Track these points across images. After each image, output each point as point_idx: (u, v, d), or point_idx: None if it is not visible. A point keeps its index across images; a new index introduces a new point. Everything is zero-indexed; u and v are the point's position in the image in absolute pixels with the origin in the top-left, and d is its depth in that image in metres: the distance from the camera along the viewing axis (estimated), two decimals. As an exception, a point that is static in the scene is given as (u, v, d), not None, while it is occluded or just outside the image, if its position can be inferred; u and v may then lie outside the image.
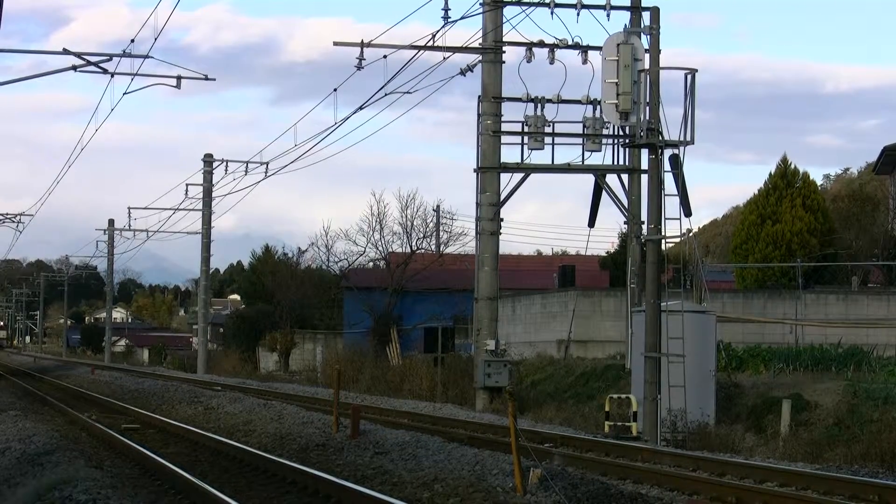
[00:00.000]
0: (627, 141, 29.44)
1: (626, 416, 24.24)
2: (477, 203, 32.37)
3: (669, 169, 24.44)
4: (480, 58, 31.94)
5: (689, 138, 23.66)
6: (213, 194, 59.62)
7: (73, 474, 14.53)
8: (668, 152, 24.22)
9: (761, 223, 50.10)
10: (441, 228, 67.34)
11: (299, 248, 76.75)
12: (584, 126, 31.57)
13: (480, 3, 31.66)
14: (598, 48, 26.47)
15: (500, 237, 32.50)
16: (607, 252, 64.06)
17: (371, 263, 65.06)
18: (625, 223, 33.58)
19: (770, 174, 51.80)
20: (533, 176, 32.50)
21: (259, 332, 69.35)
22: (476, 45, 31.89)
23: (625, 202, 32.06)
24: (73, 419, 27.19)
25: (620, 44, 24.15)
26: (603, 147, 31.62)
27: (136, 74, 29.05)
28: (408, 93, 31.89)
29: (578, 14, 30.96)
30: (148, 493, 14.78)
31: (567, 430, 24.45)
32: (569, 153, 32.39)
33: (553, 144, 31.73)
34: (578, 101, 31.72)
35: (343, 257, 65.57)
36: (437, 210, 68.06)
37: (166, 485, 15.58)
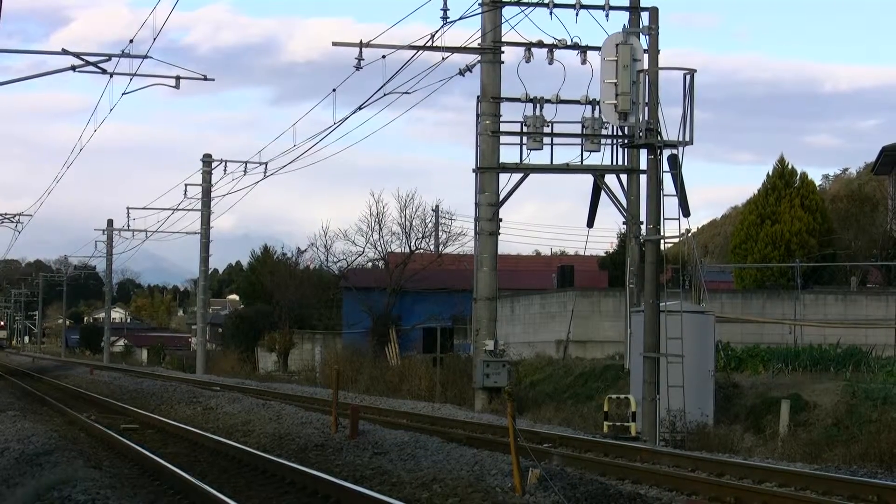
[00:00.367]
0: (626, 141, 29.46)
1: (624, 416, 24.24)
2: (476, 203, 32.38)
3: (668, 169, 24.47)
4: (479, 58, 31.95)
5: (687, 138, 23.68)
6: (212, 194, 59.66)
7: (72, 474, 14.53)
8: (666, 152, 24.25)
9: (760, 223, 50.14)
10: (440, 228, 67.42)
11: (298, 249, 76.88)
12: (582, 126, 31.58)
13: (479, 4, 31.67)
14: (597, 48, 26.47)
15: (499, 237, 32.51)
16: (606, 252, 64.11)
17: (370, 263, 65.10)
18: (623, 223, 33.62)
19: (768, 174, 51.85)
20: (532, 176, 32.52)
21: (258, 333, 69.37)
22: (475, 45, 31.91)
23: (624, 202, 32.07)
24: (72, 419, 27.18)
25: (619, 44, 24.15)
26: (602, 147, 31.64)
27: (135, 75, 29.04)
28: (407, 93, 31.93)
29: (577, 14, 30.98)
30: (147, 494, 14.77)
31: (566, 430, 24.45)
32: (568, 153, 32.44)
33: (552, 144, 31.75)
34: (577, 102, 31.73)
35: (342, 257, 65.70)
36: (436, 210, 68.14)
37: (165, 485, 15.58)
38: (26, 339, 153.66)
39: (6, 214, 61.86)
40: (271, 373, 62.21)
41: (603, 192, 32.34)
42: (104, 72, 28.31)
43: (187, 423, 25.43)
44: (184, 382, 43.97)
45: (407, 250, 61.34)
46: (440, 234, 67.33)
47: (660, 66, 24.57)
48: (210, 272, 69.26)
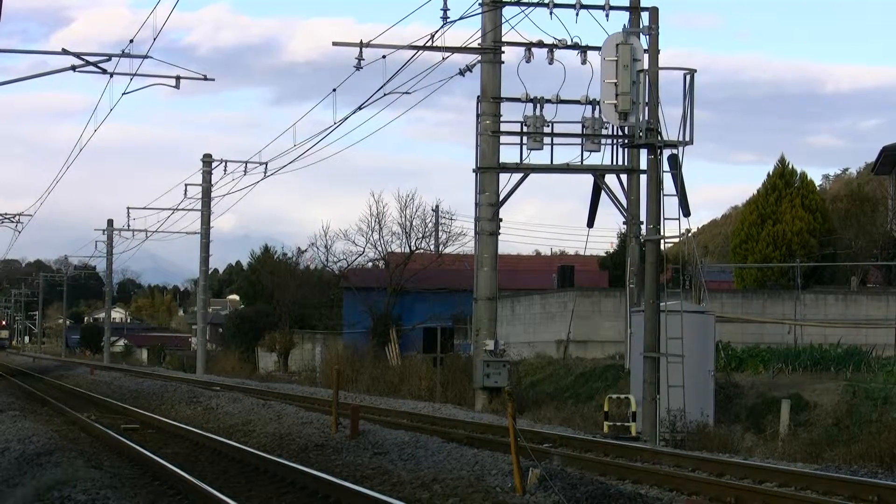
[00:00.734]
0: (626, 141, 29.45)
1: (625, 416, 24.24)
2: (476, 203, 32.38)
3: (668, 169, 24.46)
4: (479, 58, 31.95)
5: (688, 138, 23.68)
6: (212, 194, 59.62)
7: (73, 474, 14.53)
8: (667, 152, 24.24)
9: (761, 223, 50.14)
10: (440, 228, 67.41)
11: (298, 249, 76.97)
12: (583, 126, 31.57)
13: (479, 4, 31.67)
14: (598, 48, 26.47)
15: (500, 237, 32.51)
16: (606, 252, 64.12)
17: (370, 263, 65.10)
18: (624, 223, 33.61)
19: (769, 174, 51.87)
20: (532, 176, 32.52)
21: (258, 333, 69.39)
22: (475, 45, 31.91)
23: (624, 202, 32.07)
24: (73, 419, 27.18)
25: (619, 44, 24.14)
26: (602, 147, 31.65)
27: (135, 75, 29.02)
28: (407, 93, 31.92)
29: (577, 14, 30.99)
30: (147, 494, 14.77)
31: (566, 430, 24.44)
32: (568, 153, 32.44)
33: (552, 144, 31.76)
34: (577, 102, 31.73)
35: (342, 257, 65.69)
36: (436, 210, 68.14)
37: (165, 485, 15.58)
38: (26, 339, 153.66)
39: (6, 214, 61.83)
40: (272, 373, 62.22)
41: (603, 192, 32.35)
42: (104, 72, 28.29)
43: (188, 423, 25.44)
44: (184, 382, 43.97)
45: (407, 250, 61.36)
46: (440, 234, 67.38)
47: (660, 66, 24.56)
48: (210, 272, 69.29)
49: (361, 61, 31.08)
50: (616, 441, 21.71)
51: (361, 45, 31.11)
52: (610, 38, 24.66)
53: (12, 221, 61.56)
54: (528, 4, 31.20)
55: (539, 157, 32.13)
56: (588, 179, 32.87)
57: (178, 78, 29.45)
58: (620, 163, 31.85)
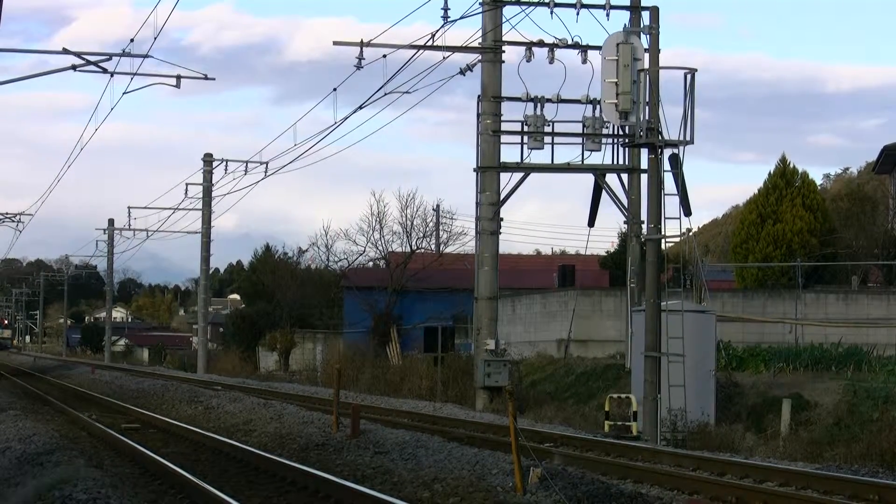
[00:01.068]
0: (627, 140, 29.44)
1: (626, 415, 24.25)
2: (477, 203, 32.38)
3: (669, 168, 24.45)
4: (480, 57, 31.94)
5: (688, 138, 23.68)
6: (213, 194, 59.66)
7: (73, 474, 14.53)
8: (667, 152, 24.24)
9: (761, 223, 50.07)
10: (441, 228, 67.33)
11: (299, 248, 76.86)
12: (583, 126, 31.57)
13: (480, 3, 31.66)
14: (598, 48, 26.48)
15: (500, 237, 32.52)
16: (607, 252, 64.03)
17: (371, 263, 65.11)
18: (625, 223, 33.58)
19: (769, 174, 51.81)
20: (533, 175, 32.53)
21: (259, 332, 69.38)
22: (476, 44, 31.91)
23: (624, 202, 32.06)
24: (74, 419, 27.20)
25: (620, 43, 24.15)
26: (603, 147, 31.63)
27: (135, 74, 29.04)
28: (407, 92, 31.92)
29: (578, 14, 30.98)
30: (148, 493, 14.78)
31: (567, 429, 24.44)
32: (568, 153, 32.41)
33: (553, 144, 31.74)
34: (578, 101, 31.72)
35: (343, 257, 65.66)
36: (436, 209, 68.07)
37: (166, 484, 15.59)
38: (27, 338, 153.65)
39: (7, 214, 61.85)
40: (272, 372, 62.20)
41: (604, 192, 32.34)
42: (105, 71, 28.30)
43: (188, 422, 25.44)
44: (185, 382, 43.97)
45: (408, 250, 61.34)
46: (441, 233, 67.30)
47: (661, 65, 24.57)
48: (211, 272, 69.30)
49: (362, 61, 31.10)
50: (617, 440, 21.71)
51: (362, 44, 31.12)
52: (610, 37, 24.68)
53: (13, 221, 61.61)
54: (529, 4, 31.20)
55: (540, 157, 32.17)
56: (589, 179, 32.90)
57: (178, 77, 29.47)
58: (621, 162, 31.84)
